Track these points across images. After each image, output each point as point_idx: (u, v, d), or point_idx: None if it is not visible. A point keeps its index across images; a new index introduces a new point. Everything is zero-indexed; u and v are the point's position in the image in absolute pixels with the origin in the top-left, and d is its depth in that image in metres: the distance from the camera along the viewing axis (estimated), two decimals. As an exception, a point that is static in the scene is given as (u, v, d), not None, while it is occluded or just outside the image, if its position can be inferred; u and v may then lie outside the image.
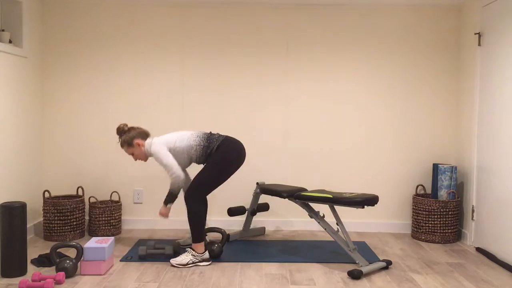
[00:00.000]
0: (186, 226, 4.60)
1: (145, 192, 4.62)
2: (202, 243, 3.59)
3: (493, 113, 3.90)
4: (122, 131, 3.69)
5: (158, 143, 3.61)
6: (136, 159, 3.74)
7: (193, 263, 3.55)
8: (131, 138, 3.66)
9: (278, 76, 4.55)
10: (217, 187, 3.67)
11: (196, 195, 3.59)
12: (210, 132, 3.73)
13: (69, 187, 4.55)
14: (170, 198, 3.66)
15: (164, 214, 3.68)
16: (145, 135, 3.72)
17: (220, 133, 3.77)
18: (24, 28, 4.13)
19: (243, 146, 3.73)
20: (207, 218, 4.62)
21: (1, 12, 4.08)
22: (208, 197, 4.58)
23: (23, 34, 4.12)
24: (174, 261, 3.54)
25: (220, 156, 3.61)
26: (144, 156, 3.71)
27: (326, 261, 3.66)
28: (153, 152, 3.59)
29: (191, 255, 3.56)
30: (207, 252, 3.61)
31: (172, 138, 3.64)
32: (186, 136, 3.65)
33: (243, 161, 3.74)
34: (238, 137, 4.57)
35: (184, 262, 3.53)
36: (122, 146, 3.71)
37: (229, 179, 4.58)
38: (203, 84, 4.56)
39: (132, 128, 3.70)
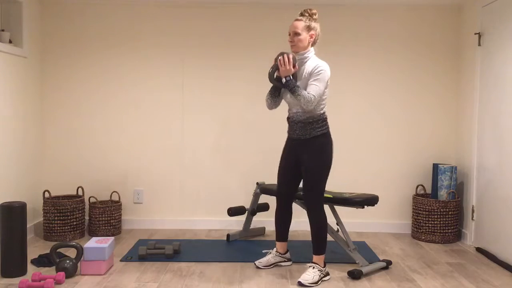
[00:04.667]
0: (186, 226, 4.62)
1: (145, 192, 4.61)
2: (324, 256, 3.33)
3: (493, 113, 3.90)
4: (311, 14, 3.33)
5: (328, 69, 3.22)
6: (293, 42, 3.25)
7: (320, 279, 3.25)
8: (314, 25, 3.29)
9: (278, 76, 4.55)
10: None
11: (320, 202, 3.30)
12: None
13: (69, 187, 4.55)
14: (277, 89, 3.33)
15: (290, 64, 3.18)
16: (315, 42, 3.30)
17: None
18: (24, 28, 4.13)
19: None
20: (207, 218, 4.64)
21: (1, 12, 4.07)
22: (208, 197, 4.64)
23: (23, 34, 4.12)
24: (305, 281, 3.17)
25: (329, 144, 3.28)
26: (303, 46, 3.24)
27: (326, 261, 3.65)
28: (320, 66, 3.19)
29: (318, 270, 3.26)
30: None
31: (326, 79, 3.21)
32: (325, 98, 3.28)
33: None
34: (238, 137, 4.59)
35: (316, 279, 3.20)
36: (302, 18, 3.29)
37: (229, 179, 4.64)
38: (203, 84, 4.56)
39: (316, 21, 3.32)
